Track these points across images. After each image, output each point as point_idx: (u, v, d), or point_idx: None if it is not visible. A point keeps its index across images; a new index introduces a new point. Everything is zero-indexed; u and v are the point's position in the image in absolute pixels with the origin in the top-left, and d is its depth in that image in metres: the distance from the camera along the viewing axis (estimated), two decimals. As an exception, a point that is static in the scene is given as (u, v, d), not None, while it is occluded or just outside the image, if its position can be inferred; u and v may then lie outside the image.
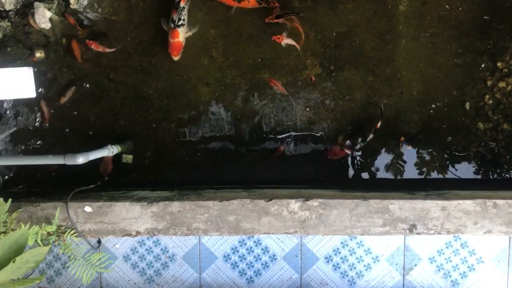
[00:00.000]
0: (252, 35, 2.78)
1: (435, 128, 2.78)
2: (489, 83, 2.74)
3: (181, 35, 2.65)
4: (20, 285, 1.67)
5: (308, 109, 2.80)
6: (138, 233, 2.31)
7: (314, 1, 2.75)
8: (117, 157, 2.69)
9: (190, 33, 2.72)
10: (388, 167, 2.81)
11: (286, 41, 2.67)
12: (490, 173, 2.79)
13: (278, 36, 2.65)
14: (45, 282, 2.64)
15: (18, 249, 1.73)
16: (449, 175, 2.79)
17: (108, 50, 2.73)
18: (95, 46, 2.70)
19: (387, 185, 2.77)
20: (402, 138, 2.73)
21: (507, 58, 2.72)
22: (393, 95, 2.78)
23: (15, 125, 2.83)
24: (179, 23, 2.60)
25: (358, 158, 2.82)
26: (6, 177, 2.83)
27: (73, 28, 2.74)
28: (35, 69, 2.70)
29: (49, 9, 2.62)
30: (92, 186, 2.52)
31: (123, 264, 2.61)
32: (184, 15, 2.62)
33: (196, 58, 2.78)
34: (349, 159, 2.81)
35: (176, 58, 2.73)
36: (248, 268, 2.57)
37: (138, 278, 2.61)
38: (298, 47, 2.68)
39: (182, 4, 2.57)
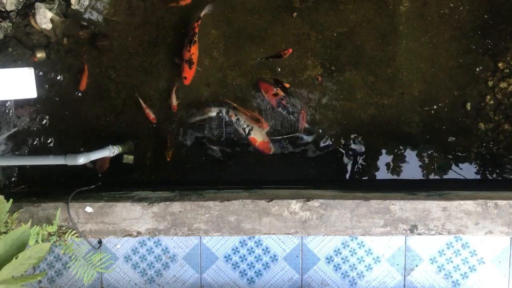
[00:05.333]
0: (253, 35, 2.78)
1: (436, 128, 2.78)
2: (490, 83, 2.74)
3: (258, 135, 2.71)
4: (23, 281, 1.67)
5: (308, 110, 2.80)
6: (139, 233, 2.31)
7: (315, 1, 2.75)
8: (115, 156, 2.68)
9: (261, 126, 2.75)
10: (388, 167, 2.81)
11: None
12: (492, 173, 2.78)
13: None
14: (46, 282, 2.64)
15: (21, 246, 1.73)
16: (450, 176, 2.79)
17: None
18: None
19: (388, 185, 2.76)
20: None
21: (508, 58, 2.72)
22: (394, 96, 2.78)
23: (16, 125, 2.83)
24: (247, 132, 2.69)
25: (358, 158, 2.82)
26: (13, 178, 2.83)
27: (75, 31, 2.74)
28: (37, 69, 2.71)
29: (50, 10, 2.62)
30: (93, 186, 2.52)
31: (124, 265, 2.61)
32: (243, 123, 2.70)
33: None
34: (349, 160, 2.81)
35: (272, 151, 2.78)
36: (249, 268, 2.57)
37: (139, 278, 2.61)
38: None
39: (233, 119, 2.68)
